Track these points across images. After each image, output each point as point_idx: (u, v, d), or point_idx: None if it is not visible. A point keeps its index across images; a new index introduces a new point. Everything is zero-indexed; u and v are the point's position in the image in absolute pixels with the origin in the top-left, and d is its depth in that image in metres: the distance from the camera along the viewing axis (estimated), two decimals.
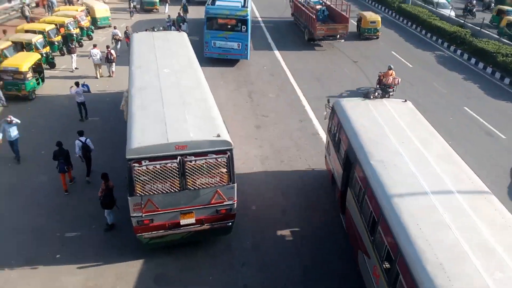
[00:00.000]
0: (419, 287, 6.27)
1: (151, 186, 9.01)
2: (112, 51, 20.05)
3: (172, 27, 24.55)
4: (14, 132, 13.12)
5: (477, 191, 8.09)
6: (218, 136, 9.20)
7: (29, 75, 17.40)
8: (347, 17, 26.17)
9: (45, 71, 19.45)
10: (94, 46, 20.20)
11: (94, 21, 27.31)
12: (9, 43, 19.53)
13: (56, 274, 9.70)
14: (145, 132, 9.26)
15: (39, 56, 18.87)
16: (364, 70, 22.51)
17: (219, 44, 22.00)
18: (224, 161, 9.26)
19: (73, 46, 21.66)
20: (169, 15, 26.89)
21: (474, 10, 33.31)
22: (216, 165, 9.24)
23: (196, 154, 9.02)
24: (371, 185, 8.59)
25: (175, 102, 10.55)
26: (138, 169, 8.80)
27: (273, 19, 32.54)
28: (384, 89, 18.42)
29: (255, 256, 10.44)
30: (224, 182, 9.49)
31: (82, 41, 24.56)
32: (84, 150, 12.36)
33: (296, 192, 12.80)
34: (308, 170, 13.86)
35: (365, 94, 12.15)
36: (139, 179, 8.88)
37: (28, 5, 28.48)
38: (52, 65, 21.07)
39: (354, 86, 20.38)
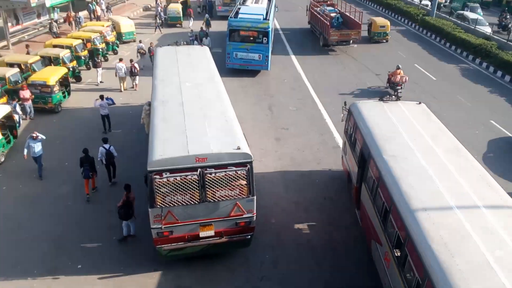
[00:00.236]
0: (425, 263, 6.89)
1: (171, 198, 9.06)
2: (136, 65, 20.49)
3: (195, 42, 24.96)
4: (38, 147, 13.35)
5: (482, 180, 8.65)
6: (238, 148, 9.21)
7: (56, 88, 17.85)
8: (360, 23, 27.37)
9: (71, 84, 19.96)
10: (120, 60, 20.58)
11: (119, 36, 28.00)
12: (38, 57, 20.10)
13: (78, 285, 9.79)
14: (167, 144, 9.35)
15: (66, 70, 19.39)
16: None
17: (240, 55, 22.36)
18: (244, 174, 9.25)
19: (99, 60, 22.17)
20: (192, 30, 27.32)
21: (510, 25, 31.98)
22: (236, 178, 9.23)
23: (216, 167, 9.04)
24: (383, 177, 9.20)
25: (196, 114, 10.63)
26: (159, 181, 8.87)
27: (292, 27, 34.04)
28: (392, 87, 20.09)
29: (274, 270, 10.31)
30: (244, 195, 9.46)
31: (107, 55, 25.14)
32: (107, 156, 12.88)
33: (317, 206, 12.63)
34: (328, 183, 13.72)
35: (380, 98, 12.86)
36: (160, 191, 8.95)
37: (56, 21, 29.46)
38: (78, 79, 21.60)
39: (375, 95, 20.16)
